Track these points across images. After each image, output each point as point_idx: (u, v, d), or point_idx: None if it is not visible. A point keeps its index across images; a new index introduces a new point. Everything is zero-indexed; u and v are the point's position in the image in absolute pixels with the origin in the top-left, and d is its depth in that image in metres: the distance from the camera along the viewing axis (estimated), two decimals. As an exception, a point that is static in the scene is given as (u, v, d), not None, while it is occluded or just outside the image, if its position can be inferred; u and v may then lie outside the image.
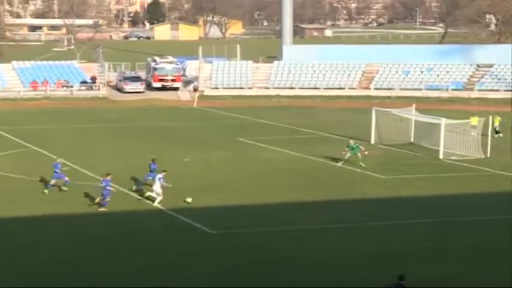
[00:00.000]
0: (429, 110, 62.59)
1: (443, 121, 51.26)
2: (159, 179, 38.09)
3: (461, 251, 31.46)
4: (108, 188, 37.44)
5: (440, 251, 31.56)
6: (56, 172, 40.71)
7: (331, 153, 51.00)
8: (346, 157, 47.61)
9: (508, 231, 34.33)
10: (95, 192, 38.33)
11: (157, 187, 38.05)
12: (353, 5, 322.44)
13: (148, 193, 38.64)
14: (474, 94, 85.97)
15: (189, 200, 38.47)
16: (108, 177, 37.75)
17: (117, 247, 31.78)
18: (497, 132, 58.78)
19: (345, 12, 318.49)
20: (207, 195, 40.35)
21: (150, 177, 40.30)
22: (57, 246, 31.93)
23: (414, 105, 58.22)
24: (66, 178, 40.90)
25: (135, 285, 27.57)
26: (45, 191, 40.69)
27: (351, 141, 48.58)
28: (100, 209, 37.37)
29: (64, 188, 40.85)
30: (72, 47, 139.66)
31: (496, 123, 59.24)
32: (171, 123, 67.49)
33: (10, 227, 35.02)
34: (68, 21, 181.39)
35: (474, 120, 55.76)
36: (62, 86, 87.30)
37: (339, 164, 47.65)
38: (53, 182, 40.95)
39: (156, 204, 37.91)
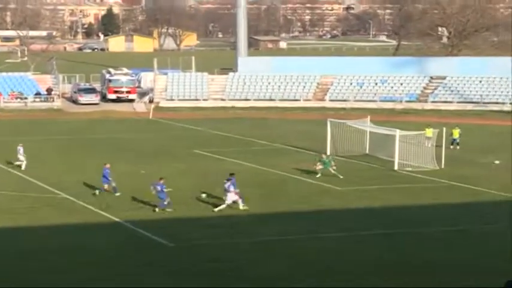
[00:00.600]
0: (384, 122, 63.17)
1: (397, 132, 51.74)
2: (229, 186, 38.98)
3: (417, 263, 31.71)
4: (161, 189, 38.86)
5: (397, 262, 31.79)
6: (105, 177, 42.49)
7: (287, 164, 51.20)
8: (318, 169, 47.80)
9: (461, 243, 34.77)
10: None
11: (230, 196, 38.89)
12: (307, 17, 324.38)
13: (226, 203, 39.13)
14: (428, 106, 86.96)
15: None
16: (161, 181, 39.08)
17: (72, 260, 31.43)
18: (457, 144, 59.49)
19: (299, 24, 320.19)
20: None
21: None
22: (6, 258, 31.58)
23: (369, 116, 58.73)
24: (114, 184, 42.51)
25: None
26: (96, 191, 42.47)
27: (324, 156, 48.85)
28: (167, 210, 38.81)
29: (117, 194, 42.35)
30: (26, 58, 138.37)
31: (456, 136, 59.95)
32: (127, 135, 67.21)
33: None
34: (22, 32, 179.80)
35: (429, 132, 56.37)
36: (16, 98, 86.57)
37: (318, 176, 47.58)
38: (106, 186, 42.48)
39: (218, 209, 38.84)
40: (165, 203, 39.03)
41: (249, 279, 29.37)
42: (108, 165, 43.14)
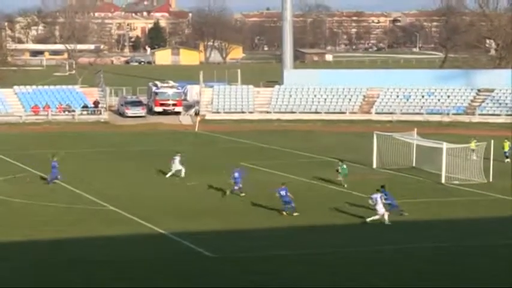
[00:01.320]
0: (431, 134, 62.69)
1: (444, 145, 51.26)
2: (381, 197, 39.36)
3: (468, 276, 31.35)
4: (286, 194, 40.79)
5: (447, 275, 31.44)
6: (236, 178, 46.06)
7: (332, 177, 50.94)
8: (340, 178, 48.71)
9: (508, 257, 34.31)
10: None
11: (380, 207, 39.08)
12: (353, 30, 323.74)
13: (372, 218, 39.32)
14: (475, 118, 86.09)
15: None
16: (283, 186, 41.19)
17: (117, 272, 31.53)
18: (506, 157, 58.84)
19: (345, 37, 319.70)
20: (209, 219, 40.31)
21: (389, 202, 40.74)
22: (55, 269, 31.81)
23: (416, 129, 58.31)
24: (240, 185, 45.87)
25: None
26: (227, 191, 45.82)
27: (340, 162, 49.62)
28: (294, 214, 40.51)
29: (242, 194, 45.53)
30: (74, 71, 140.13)
31: (506, 149, 59.29)
32: (173, 148, 67.28)
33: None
34: (70, 46, 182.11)
35: (472, 144, 55.83)
36: (64, 111, 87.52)
37: (345, 186, 48.10)
38: (236, 187, 45.72)
39: (370, 219, 39.21)
40: (289, 206, 40.57)
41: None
42: (239, 168, 47.18)
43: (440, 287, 29.91)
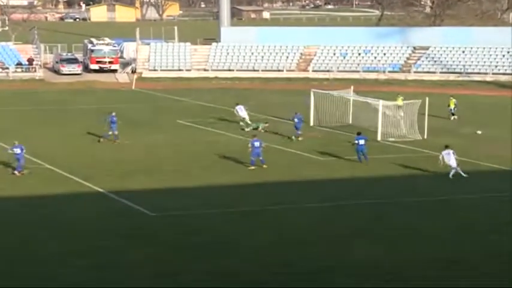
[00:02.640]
0: (367, 92, 63.22)
1: (381, 103, 51.81)
2: (453, 152, 40.31)
3: (403, 232, 31.91)
4: (259, 145, 42.14)
5: (382, 231, 31.96)
6: (297, 123, 50.20)
7: (270, 135, 51.22)
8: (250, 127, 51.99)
9: (437, 212, 35.01)
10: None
11: (452, 161, 40.07)
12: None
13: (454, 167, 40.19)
14: (411, 76, 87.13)
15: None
16: (256, 138, 43.21)
17: (54, 231, 31.38)
18: (453, 114, 59.80)
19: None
20: (147, 177, 40.27)
21: None
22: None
23: (352, 87, 58.77)
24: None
25: (70, 270, 27.16)
26: (293, 137, 49.88)
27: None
28: (264, 166, 42.08)
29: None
30: (7, 28, 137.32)
31: (452, 106, 60.20)
32: (110, 106, 66.80)
33: None
34: (2, 1, 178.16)
35: (400, 101, 56.42)
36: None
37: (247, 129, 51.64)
38: (299, 132, 49.03)
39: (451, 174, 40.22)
40: (259, 158, 42.04)
41: (229, 251, 29.44)
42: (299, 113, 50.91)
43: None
